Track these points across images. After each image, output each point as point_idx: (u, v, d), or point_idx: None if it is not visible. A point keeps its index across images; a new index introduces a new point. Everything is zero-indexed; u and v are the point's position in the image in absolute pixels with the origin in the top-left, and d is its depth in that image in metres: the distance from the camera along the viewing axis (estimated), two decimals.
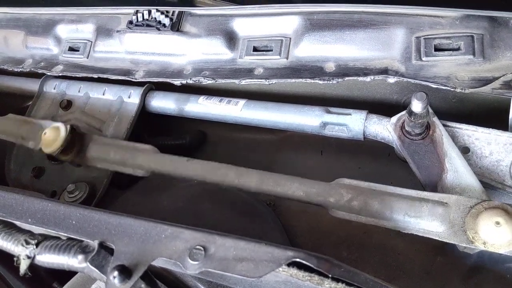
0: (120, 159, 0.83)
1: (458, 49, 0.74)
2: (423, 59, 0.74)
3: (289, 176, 0.71)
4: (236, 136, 1.15)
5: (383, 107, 0.90)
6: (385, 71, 0.77)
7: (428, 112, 0.61)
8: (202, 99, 0.94)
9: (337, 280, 0.45)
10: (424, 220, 0.60)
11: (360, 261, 0.77)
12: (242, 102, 0.91)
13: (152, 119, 1.05)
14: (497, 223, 0.54)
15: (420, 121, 0.61)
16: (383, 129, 0.74)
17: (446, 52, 0.74)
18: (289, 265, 0.45)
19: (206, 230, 0.50)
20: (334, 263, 0.45)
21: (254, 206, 0.86)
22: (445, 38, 0.74)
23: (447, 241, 0.58)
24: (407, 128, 0.68)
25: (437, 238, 0.59)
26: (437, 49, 0.74)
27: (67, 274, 0.72)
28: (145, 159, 0.81)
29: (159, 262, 0.49)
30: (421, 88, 0.75)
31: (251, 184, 0.72)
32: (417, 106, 0.59)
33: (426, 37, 0.75)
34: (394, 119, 0.72)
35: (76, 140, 0.85)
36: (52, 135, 0.82)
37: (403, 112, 0.70)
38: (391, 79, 0.76)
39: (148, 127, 1.09)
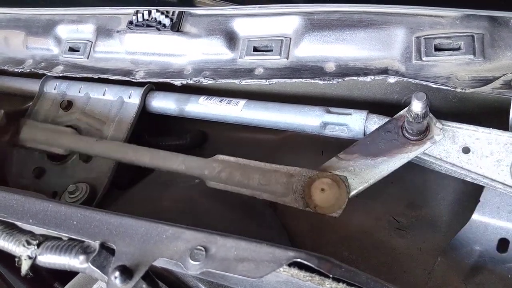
0: (45, 139, 0.96)
1: (458, 48, 0.73)
2: (424, 59, 0.74)
3: (175, 153, 0.82)
4: (236, 136, 1.15)
5: (383, 107, 0.90)
6: (385, 71, 0.77)
7: (428, 112, 0.61)
8: (202, 99, 0.95)
9: (338, 280, 0.45)
10: (272, 187, 0.70)
11: (361, 261, 0.77)
12: (242, 102, 0.91)
13: (152, 119, 1.05)
14: (322, 189, 0.65)
15: (420, 121, 0.61)
16: None
17: (446, 52, 0.74)
18: (290, 265, 0.45)
19: (207, 231, 0.51)
20: (335, 263, 0.45)
21: (254, 206, 0.86)
22: (445, 38, 0.74)
23: (290, 205, 0.67)
24: (407, 127, 0.68)
25: (281, 202, 0.68)
26: (437, 49, 0.74)
27: (68, 274, 0.72)
28: (64, 139, 0.94)
29: (160, 263, 0.49)
30: (421, 88, 0.75)
31: (145, 160, 0.84)
32: (417, 106, 0.59)
33: (426, 37, 0.75)
34: (396, 116, 0.72)
35: (12, 123, 0.97)
36: None
37: (403, 111, 0.70)
38: (392, 79, 0.76)
39: (149, 127, 1.09)
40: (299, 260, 0.44)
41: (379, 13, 0.80)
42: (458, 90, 0.69)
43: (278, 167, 0.71)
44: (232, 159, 0.76)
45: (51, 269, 0.60)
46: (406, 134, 0.68)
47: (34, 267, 0.58)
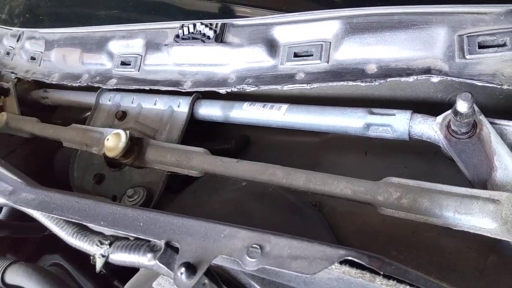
0: (175, 161, 0.91)
1: (503, 45, 0.72)
2: (467, 57, 0.74)
3: (335, 175, 0.74)
4: (278, 139, 1.19)
5: (427, 106, 0.90)
6: (428, 71, 0.78)
7: (474, 111, 0.61)
8: (246, 105, 0.99)
9: (388, 277, 0.47)
10: (475, 217, 0.61)
11: (410, 261, 0.78)
12: (284, 106, 0.94)
13: (199, 125, 1.11)
14: None
15: (466, 120, 0.62)
16: (428, 128, 0.75)
17: (490, 49, 0.73)
18: (341, 263, 0.47)
19: (260, 230, 0.54)
20: (385, 261, 0.47)
21: (301, 207, 0.89)
22: (489, 34, 0.73)
23: (501, 238, 0.58)
24: (453, 127, 0.68)
25: (489, 235, 0.59)
26: (481, 46, 0.74)
27: (128, 272, 0.79)
28: (198, 161, 0.89)
29: (219, 260, 0.54)
30: (466, 86, 0.75)
31: (299, 183, 0.76)
32: (462, 106, 0.59)
33: (469, 34, 0.75)
34: (439, 118, 0.73)
35: (135, 144, 0.94)
36: (114, 141, 0.91)
37: (449, 111, 0.71)
38: (435, 79, 0.76)
39: (196, 133, 1.15)
40: (350, 258, 0.46)
41: (419, 13, 0.80)
42: (505, 87, 0.69)
43: (476, 192, 0.62)
44: (410, 182, 0.68)
45: (112, 267, 0.66)
46: (453, 134, 0.68)
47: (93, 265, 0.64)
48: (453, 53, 0.76)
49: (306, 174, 0.76)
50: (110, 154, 0.90)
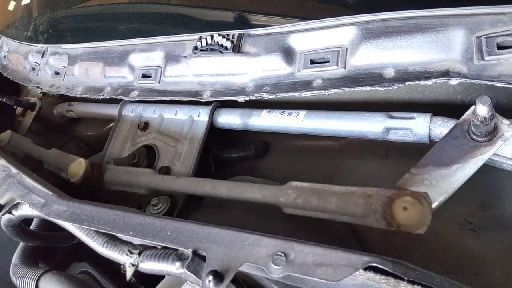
0: (127, 181, 1.01)
1: None
2: (486, 58, 0.73)
3: (249, 183, 0.86)
4: (297, 144, 1.20)
5: (447, 108, 0.90)
6: (446, 73, 0.77)
7: (494, 114, 0.61)
8: (264, 112, 1.01)
9: (412, 282, 0.48)
10: (351, 209, 0.69)
11: (434, 264, 0.78)
12: (303, 113, 0.95)
13: (218, 133, 1.13)
14: (404, 208, 0.63)
15: (486, 123, 0.61)
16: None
17: (510, 50, 0.72)
18: (365, 269, 0.48)
19: (284, 238, 0.56)
20: (409, 266, 0.48)
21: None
22: (508, 35, 0.72)
23: (372, 226, 0.66)
24: (473, 130, 0.68)
25: (363, 224, 0.68)
26: (500, 47, 0.73)
27: (148, 276, 0.80)
28: (144, 180, 0.99)
29: (245, 267, 0.55)
30: (486, 87, 0.74)
31: (223, 192, 0.87)
32: (482, 110, 0.59)
33: (487, 36, 0.74)
34: (459, 121, 0.72)
35: (95, 170, 1.02)
36: (75, 168, 0.99)
37: (469, 114, 0.70)
38: (454, 81, 0.76)
39: (215, 141, 1.18)
40: (374, 264, 0.47)
41: (435, 16, 0.80)
42: None
43: (353, 189, 0.71)
44: (306, 184, 0.77)
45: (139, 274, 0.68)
46: (474, 137, 0.68)
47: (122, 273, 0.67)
48: (471, 55, 0.76)
49: (228, 184, 0.88)
50: (73, 180, 0.99)
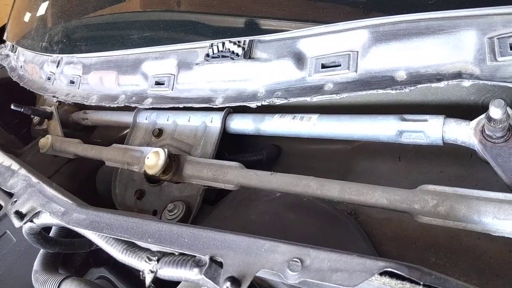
0: (211, 176, 0.95)
1: None
2: (499, 59, 0.73)
3: (370, 184, 0.75)
4: (310, 148, 1.20)
5: (460, 109, 0.89)
6: (458, 75, 0.77)
7: (508, 116, 0.61)
8: (276, 117, 1.01)
9: (428, 286, 0.48)
10: None
11: (449, 267, 0.77)
12: (315, 117, 0.96)
13: (230, 138, 1.14)
14: None
15: (500, 126, 0.61)
16: (462, 133, 0.74)
17: None
18: (381, 274, 0.49)
19: (299, 244, 0.56)
20: (425, 271, 0.48)
21: (336, 216, 0.90)
22: None
23: None
24: (487, 132, 0.67)
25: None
26: None
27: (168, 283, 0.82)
28: (233, 175, 0.92)
29: (261, 273, 0.56)
30: (499, 88, 0.74)
31: (333, 194, 0.77)
32: (495, 113, 0.59)
33: (499, 36, 0.74)
34: (473, 123, 0.72)
35: (173, 161, 0.98)
36: (154, 159, 0.96)
37: (482, 116, 0.70)
38: (466, 83, 0.75)
39: (228, 146, 1.19)
40: (390, 269, 0.47)
41: (446, 18, 0.80)
42: None
43: None
44: (446, 189, 0.68)
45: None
46: (489, 138, 0.67)
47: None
48: (484, 56, 0.75)
49: (341, 184, 0.77)
50: (151, 172, 0.95)
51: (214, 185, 0.95)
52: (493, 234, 0.63)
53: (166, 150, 0.96)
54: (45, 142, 1.37)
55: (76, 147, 1.30)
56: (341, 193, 0.76)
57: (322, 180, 0.80)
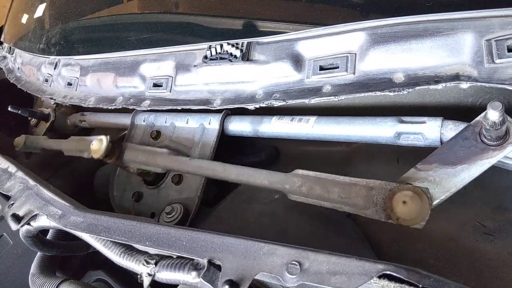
0: (144, 160, 1.04)
1: None
2: (496, 61, 0.73)
3: (258, 169, 0.87)
4: (307, 150, 1.20)
5: (458, 111, 0.89)
6: (456, 77, 0.77)
7: (505, 119, 0.61)
8: (274, 119, 1.01)
9: None
10: (352, 200, 0.72)
11: (448, 269, 0.77)
12: (313, 119, 0.96)
13: (228, 140, 1.14)
14: (404, 202, 0.65)
15: (497, 128, 0.61)
16: None
17: None
18: (380, 277, 0.49)
19: (298, 247, 0.56)
20: (424, 273, 0.48)
21: (335, 218, 0.90)
22: None
23: (371, 218, 0.69)
24: (485, 134, 0.68)
25: (363, 215, 0.70)
26: (510, 49, 0.72)
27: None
28: (161, 159, 1.02)
29: (260, 276, 0.56)
30: (497, 90, 0.74)
31: (232, 176, 0.90)
32: (493, 115, 0.59)
33: (497, 39, 0.74)
34: (472, 123, 0.72)
35: (116, 147, 1.05)
36: (97, 145, 1.02)
37: (479, 118, 0.70)
38: (464, 85, 0.75)
39: (226, 147, 1.19)
40: (388, 272, 0.47)
41: (444, 20, 0.80)
42: None
43: (357, 180, 0.74)
44: (311, 173, 0.80)
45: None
46: (485, 140, 0.67)
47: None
48: (481, 58, 0.76)
49: (238, 169, 0.90)
50: (95, 156, 1.02)
51: (146, 168, 1.05)
52: (339, 210, 0.74)
53: (108, 137, 1.04)
54: (19, 141, 1.40)
55: (42, 142, 1.33)
56: (237, 176, 0.89)
57: (226, 165, 0.92)
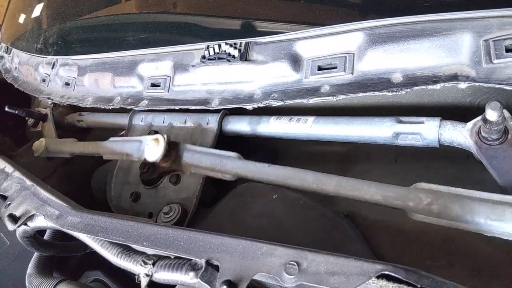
0: (210, 165, 0.95)
1: None
2: (494, 61, 0.73)
3: (366, 180, 0.75)
4: (306, 150, 1.20)
5: (456, 111, 0.89)
6: (454, 77, 0.77)
7: (504, 119, 0.61)
8: (273, 119, 1.01)
9: None
10: (508, 223, 0.60)
11: (447, 269, 0.77)
12: (311, 119, 0.96)
13: (226, 140, 1.14)
14: None
15: (496, 128, 0.61)
16: (458, 135, 0.74)
17: None
18: (378, 277, 0.49)
19: (296, 247, 0.56)
20: (422, 274, 0.48)
21: (333, 218, 0.89)
22: None
23: None
24: (483, 134, 0.68)
25: None
26: (508, 50, 0.72)
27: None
28: (232, 165, 0.92)
29: (258, 277, 0.56)
30: (495, 90, 0.74)
31: (329, 188, 0.77)
32: (491, 115, 0.59)
33: (495, 39, 0.74)
34: (469, 125, 0.72)
35: (173, 149, 0.97)
36: (153, 145, 0.94)
37: (478, 118, 0.70)
38: (462, 85, 0.75)
39: (224, 148, 1.18)
40: (387, 272, 0.47)
41: (442, 20, 0.80)
42: None
43: (509, 199, 0.61)
44: (441, 188, 0.67)
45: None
46: (485, 140, 0.67)
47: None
48: (479, 58, 0.76)
49: (337, 179, 0.77)
50: (151, 159, 0.94)
51: (212, 174, 0.95)
52: (485, 235, 0.63)
53: (165, 136, 0.94)
54: (39, 145, 1.36)
55: (72, 146, 1.29)
56: (336, 187, 0.76)
57: (319, 174, 0.80)
